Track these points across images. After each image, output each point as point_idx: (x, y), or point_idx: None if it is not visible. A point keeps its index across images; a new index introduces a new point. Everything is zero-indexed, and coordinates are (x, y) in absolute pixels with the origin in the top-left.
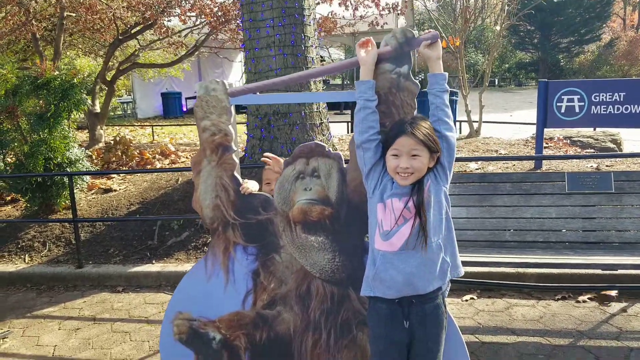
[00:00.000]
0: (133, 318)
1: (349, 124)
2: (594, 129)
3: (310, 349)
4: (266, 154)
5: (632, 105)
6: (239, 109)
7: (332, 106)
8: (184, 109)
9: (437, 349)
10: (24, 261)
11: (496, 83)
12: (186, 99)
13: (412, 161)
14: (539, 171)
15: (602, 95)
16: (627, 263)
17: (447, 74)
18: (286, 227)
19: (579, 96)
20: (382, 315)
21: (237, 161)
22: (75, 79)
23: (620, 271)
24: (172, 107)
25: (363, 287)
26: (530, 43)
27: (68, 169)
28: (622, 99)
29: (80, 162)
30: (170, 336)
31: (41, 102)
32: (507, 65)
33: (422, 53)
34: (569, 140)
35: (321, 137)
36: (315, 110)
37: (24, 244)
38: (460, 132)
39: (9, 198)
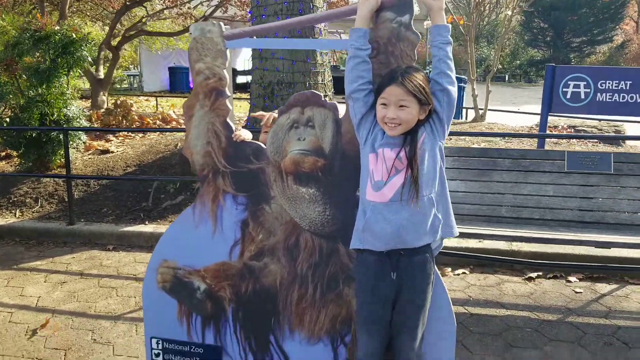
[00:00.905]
0: (121, 275)
1: None
2: (600, 121)
3: (296, 302)
4: (254, 113)
5: (638, 95)
6: (244, 87)
7: (339, 91)
8: (191, 85)
9: (423, 304)
10: (15, 216)
11: (506, 79)
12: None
13: (399, 112)
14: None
15: (609, 83)
16: (620, 241)
17: (450, 25)
18: (277, 178)
19: (585, 82)
20: (369, 267)
21: (231, 107)
22: (75, 35)
23: (613, 253)
24: (179, 82)
25: (352, 240)
26: (543, 41)
27: (65, 126)
28: (628, 88)
29: (78, 120)
30: (154, 284)
31: (39, 55)
32: (518, 62)
33: (424, 2)
34: (572, 130)
35: None
36: (320, 82)
37: (15, 199)
38: (465, 118)
39: (3, 154)
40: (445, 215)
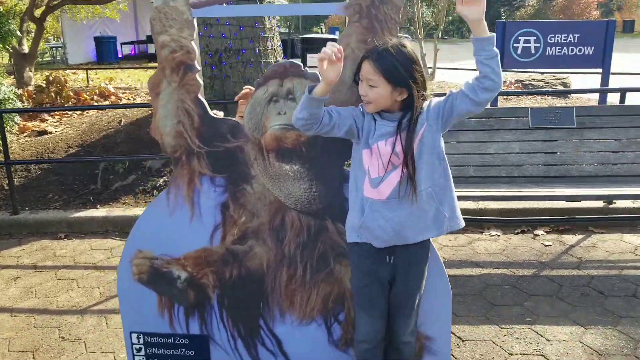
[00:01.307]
0: (79, 265)
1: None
2: (544, 74)
3: (285, 284)
4: (247, 86)
5: (585, 47)
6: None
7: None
8: (120, 55)
9: (419, 286)
10: None
11: (440, 35)
12: (122, 44)
13: (368, 90)
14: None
15: (558, 37)
16: (590, 194)
17: (494, 35)
18: (258, 156)
19: (535, 37)
20: (365, 253)
21: (202, 82)
22: (1, 7)
23: (577, 205)
24: (106, 53)
25: (348, 234)
26: None
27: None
28: (576, 40)
29: (11, 101)
30: (129, 277)
31: None
32: (450, 18)
33: (460, 13)
34: (520, 84)
35: None
36: (270, 47)
37: None
38: None
39: None
40: (451, 210)
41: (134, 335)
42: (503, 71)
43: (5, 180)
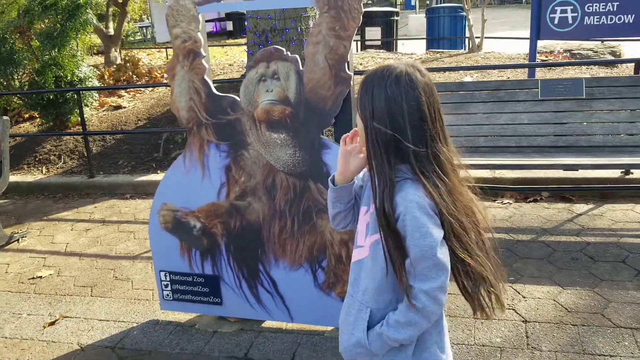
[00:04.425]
0: (138, 220)
1: (358, 42)
2: (602, 42)
3: (278, 234)
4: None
5: (625, 15)
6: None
7: None
8: None
9: None
10: (42, 172)
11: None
12: (205, 21)
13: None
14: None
15: (596, 6)
16: (586, 163)
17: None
18: (252, 126)
19: (572, 7)
20: None
21: (207, 66)
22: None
23: (592, 175)
24: None
25: None
26: None
27: (79, 86)
28: (615, 9)
29: (90, 80)
30: (158, 225)
31: (48, 21)
32: None
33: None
34: (568, 53)
35: None
36: (312, 26)
37: (41, 157)
38: (465, 48)
39: (26, 115)
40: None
41: (162, 273)
42: (545, 41)
43: (85, 149)
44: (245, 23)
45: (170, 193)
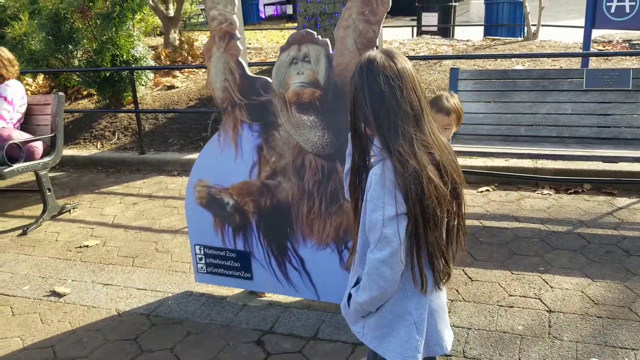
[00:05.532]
0: (183, 196)
1: (414, 28)
2: None
3: (306, 214)
4: None
5: None
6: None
7: (396, 11)
8: (263, 16)
9: None
10: (96, 147)
11: None
12: (265, 5)
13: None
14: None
15: None
16: (626, 155)
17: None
18: (283, 108)
19: None
20: None
21: (242, 47)
22: None
23: (636, 168)
24: (249, 13)
25: None
26: None
27: (133, 66)
28: None
29: (145, 60)
30: (193, 200)
31: (108, 2)
32: None
33: None
34: (628, 44)
35: None
36: (343, 10)
37: (96, 132)
38: (522, 36)
39: (85, 93)
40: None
41: (197, 247)
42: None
43: (136, 126)
44: (297, 6)
45: (206, 170)
